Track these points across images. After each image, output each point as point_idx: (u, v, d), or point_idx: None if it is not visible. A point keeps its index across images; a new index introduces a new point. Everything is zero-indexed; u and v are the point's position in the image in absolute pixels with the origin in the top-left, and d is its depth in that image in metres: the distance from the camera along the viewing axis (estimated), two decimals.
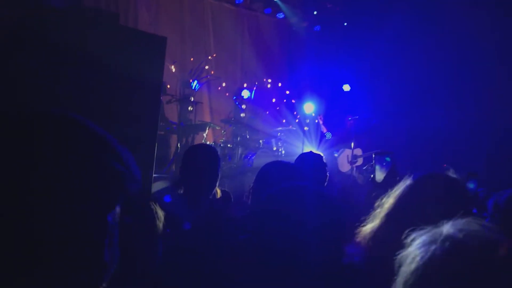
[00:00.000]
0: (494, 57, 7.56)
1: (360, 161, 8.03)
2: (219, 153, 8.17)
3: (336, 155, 8.09)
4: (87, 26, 3.66)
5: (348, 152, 8.11)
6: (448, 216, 1.26)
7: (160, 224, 1.34)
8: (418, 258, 0.68)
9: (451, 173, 1.57)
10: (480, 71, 7.75)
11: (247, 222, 2.04)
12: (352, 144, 7.96)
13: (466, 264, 0.63)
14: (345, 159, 8.03)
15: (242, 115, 8.42)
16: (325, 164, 3.00)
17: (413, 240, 0.72)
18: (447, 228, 0.71)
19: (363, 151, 8.05)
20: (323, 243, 1.28)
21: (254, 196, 1.78)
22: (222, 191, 4.19)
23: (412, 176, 1.50)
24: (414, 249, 0.70)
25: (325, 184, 2.86)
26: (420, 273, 0.66)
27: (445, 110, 8.08)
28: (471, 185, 2.54)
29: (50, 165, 0.60)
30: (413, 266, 0.68)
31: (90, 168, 0.62)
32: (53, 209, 0.59)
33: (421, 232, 0.73)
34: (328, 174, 2.87)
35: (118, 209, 0.66)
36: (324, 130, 8.12)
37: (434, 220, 0.72)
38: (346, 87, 9.04)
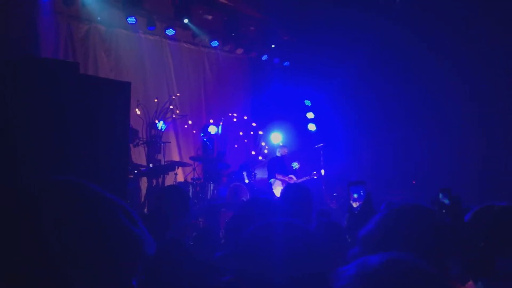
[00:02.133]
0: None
1: None
2: (190, 190, 8.08)
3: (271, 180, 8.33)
4: (48, 78, 3.63)
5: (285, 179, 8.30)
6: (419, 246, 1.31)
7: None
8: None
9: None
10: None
11: (228, 262, 2.03)
12: (322, 171, 8.20)
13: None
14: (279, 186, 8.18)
15: (211, 150, 8.42)
16: (310, 195, 2.96)
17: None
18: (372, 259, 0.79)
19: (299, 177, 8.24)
20: (309, 278, 1.30)
21: (233, 234, 1.78)
22: (201, 229, 4.15)
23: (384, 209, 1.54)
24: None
25: (311, 215, 2.84)
26: None
27: (404, 131, 8.41)
28: (445, 201, 2.60)
29: (70, 234, 0.57)
30: None
31: (111, 234, 0.60)
32: (80, 280, 0.57)
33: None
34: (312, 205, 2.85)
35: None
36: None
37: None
38: (310, 115, 9.27)
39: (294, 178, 8.22)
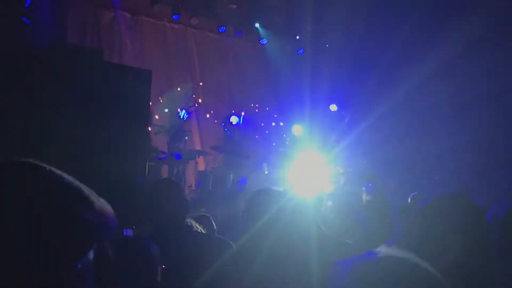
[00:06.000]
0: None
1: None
2: (210, 179, 8.08)
3: None
4: (71, 65, 3.68)
5: None
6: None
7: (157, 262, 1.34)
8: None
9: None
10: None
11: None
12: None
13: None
14: None
15: (232, 141, 8.44)
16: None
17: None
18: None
19: None
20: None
21: (244, 226, 1.78)
22: (201, 218, 4.14)
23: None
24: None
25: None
26: None
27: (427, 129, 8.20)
28: None
29: (16, 216, 0.58)
30: None
31: (58, 219, 0.61)
32: (20, 262, 0.58)
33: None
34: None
35: (91, 254, 0.66)
36: None
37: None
38: (333, 107, 9.15)
39: None
